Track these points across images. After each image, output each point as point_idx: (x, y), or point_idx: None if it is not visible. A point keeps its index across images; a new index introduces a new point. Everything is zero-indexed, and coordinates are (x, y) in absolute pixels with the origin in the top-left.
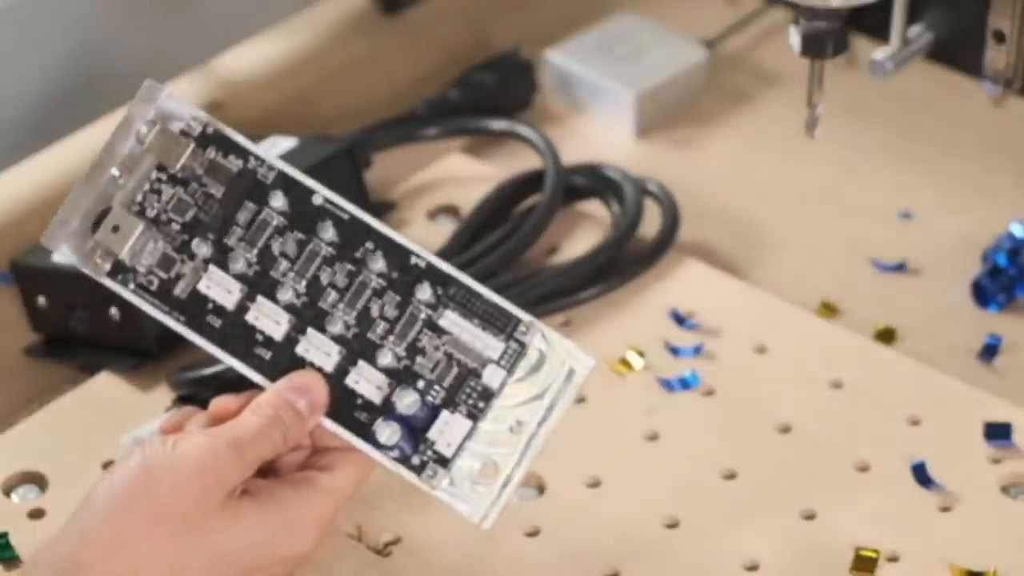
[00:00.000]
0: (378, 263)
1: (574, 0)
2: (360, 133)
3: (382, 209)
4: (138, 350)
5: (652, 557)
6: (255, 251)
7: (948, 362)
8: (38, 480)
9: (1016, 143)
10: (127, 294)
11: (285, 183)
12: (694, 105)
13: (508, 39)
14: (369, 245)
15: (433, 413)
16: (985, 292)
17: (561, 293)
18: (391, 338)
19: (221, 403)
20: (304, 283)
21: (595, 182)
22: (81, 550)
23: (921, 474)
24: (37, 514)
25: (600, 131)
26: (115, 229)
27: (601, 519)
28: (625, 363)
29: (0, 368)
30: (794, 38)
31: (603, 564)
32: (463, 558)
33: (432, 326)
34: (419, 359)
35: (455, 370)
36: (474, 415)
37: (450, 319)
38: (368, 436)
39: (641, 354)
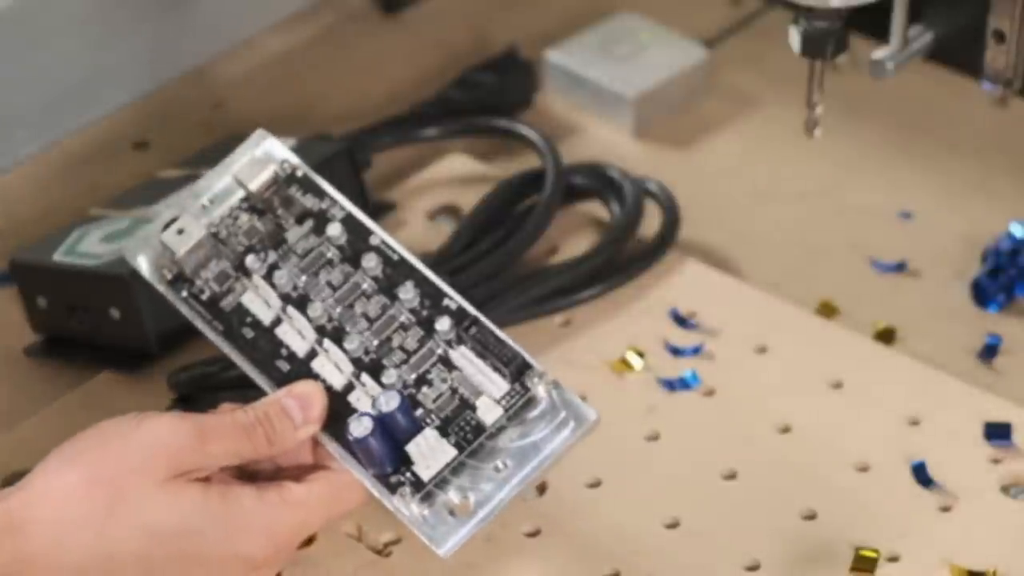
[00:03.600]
0: (413, 301)
1: (574, 0)
2: (360, 133)
3: (382, 209)
4: (138, 350)
5: (652, 557)
6: (304, 277)
7: (948, 362)
8: None
9: (1016, 143)
10: (178, 302)
11: (350, 224)
12: (694, 105)
13: (508, 39)
14: (409, 284)
15: (418, 430)
16: (985, 292)
17: (561, 293)
18: (404, 367)
19: (224, 408)
20: (339, 309)
21: (595, 182)
22: (13, 495)
23: (921, 474)
24: None
25: (600, 131)
26: (180, 232)
27: (601, 519)
28: (625, 363)
29: (0, 368)
30: (794, 38)
31: (603, 564)
32: (463, 558)
33: (445, 361)
34: (424, 389)
35: (455, 403)
36: (461, 446)
37: (462, 354)
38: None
39: (641, 354)
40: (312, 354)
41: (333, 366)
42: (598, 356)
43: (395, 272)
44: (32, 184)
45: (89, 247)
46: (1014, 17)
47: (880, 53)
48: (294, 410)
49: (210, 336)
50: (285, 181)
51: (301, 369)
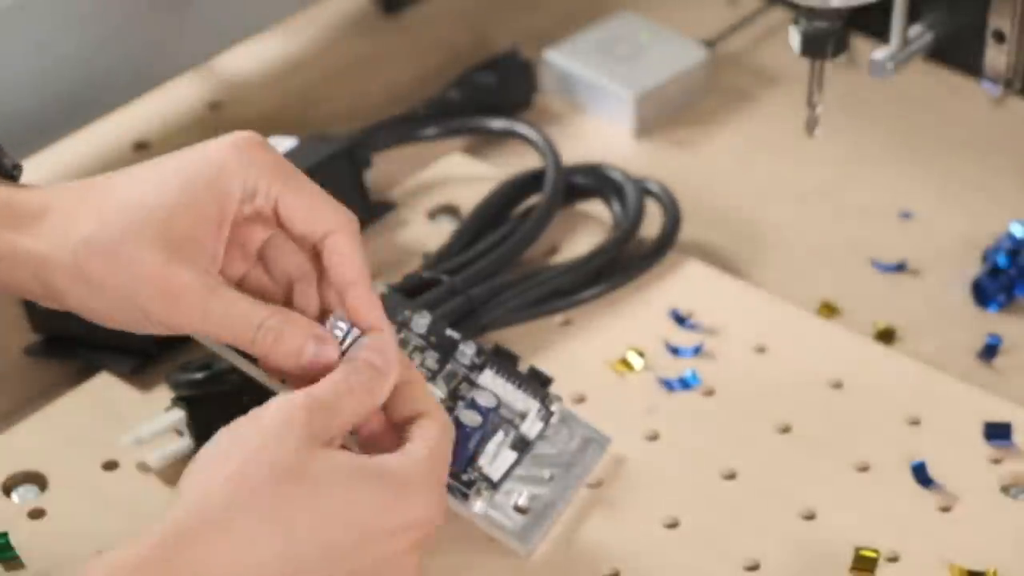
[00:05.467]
0: (420, 327)
1: (574, 0)
2: (360, 133)
3: (382, 209)
4: (138, 350)
5: (652, 557)
6: None
7: (948, 362)
8: (38, 480)
9: (1016, 143)
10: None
11: None
12: (694, 105)
13: (508, 39)
14: (407, 312)
15: (483, 439)
16: (985, 292)
17: (561, 293)
18: (433, 383)
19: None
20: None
21: (596, 182)
22: (173, 508)
23: (921, 474)
24: (37, 514)
25: (600, 131)
26: None
27: (601, 519)
28: (625, 363)
29: (0, 368)
30: (794, 38)
31: (603, 564)
32: (463, 558)
33: (471, 382)
34: (460, 404)
35: (496, 419)
36: (519, 450)
37: (488, 376)
38: None
39: (641, 354)
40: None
41: None
42: (598, 356)
43: (392, 305)
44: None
45: None
46: (1014, 17)
47: (880, 53)
48: (377, 360)
49: (206, 341)
50: None
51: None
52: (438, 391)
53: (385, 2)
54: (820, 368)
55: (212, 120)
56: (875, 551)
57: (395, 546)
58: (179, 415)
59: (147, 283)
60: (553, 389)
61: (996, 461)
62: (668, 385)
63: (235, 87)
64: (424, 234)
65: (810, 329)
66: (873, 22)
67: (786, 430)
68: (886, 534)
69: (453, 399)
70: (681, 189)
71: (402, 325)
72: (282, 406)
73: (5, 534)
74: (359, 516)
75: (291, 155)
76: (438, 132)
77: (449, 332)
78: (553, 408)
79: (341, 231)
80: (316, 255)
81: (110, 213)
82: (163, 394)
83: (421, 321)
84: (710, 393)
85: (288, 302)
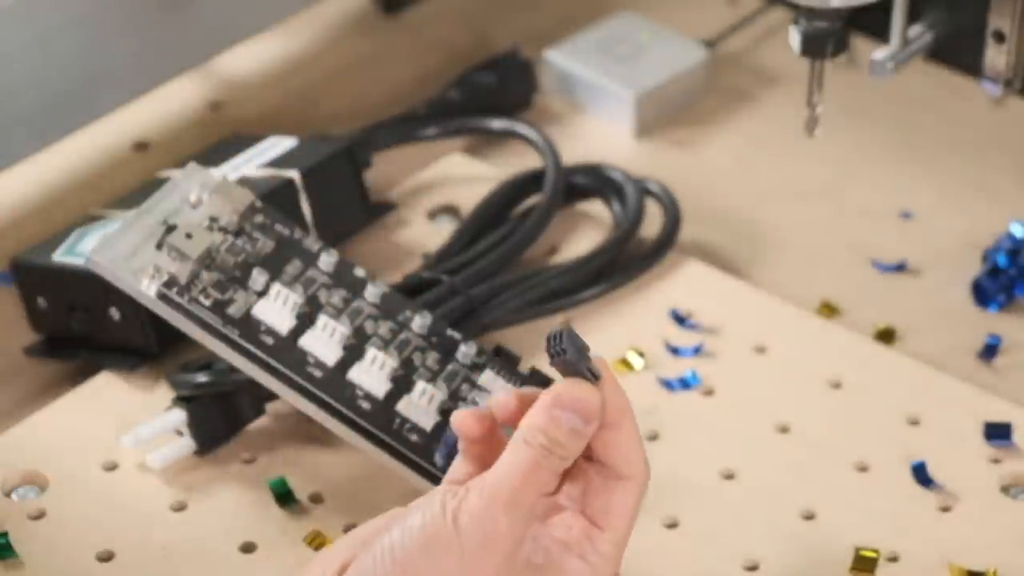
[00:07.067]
0: (420, 327)
1: (574, 0)
2: (360, 133)
3: (382, 209)
4: (138, 350)
5: (652, 557)
6: (304, 297)
7: (948, 362)
8: (38, 480)
9: (1016, 143)
10: (173, 309)
11: (329, 254)
12: (694, 105)
13: (508, 39)
14: (408, 312)
15: None
16: (985, 292)
17: (561, 293)
18: (434, 384)
19: (501, 403)
20: (351, 329)
21: (596, 182)
22: None
23: (921, 474)
24: (37, 514)
25: (600, 131)
26: (188, 236)
27: None
28: (625, 363)
29: (0, 368)
30: (794, 38)
31: None
32: None
33: (471, 382)
34: (461, 405)
35: None
36: None
37: (489, 376)
38: (425, 456)
39: (641, 354)
40: (346, 362)
41: (369, 376)
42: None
43: (391, 303)
44: (32, 184)
45: (89, 247)
46: (1014, 17)
47: (880, 53)
48: (573, 419)
49: (208, 343)
50: (248, 211)
51: (335, 376)
52: (439, 392)
53: (385, 2)
54: (820, 368)
55: (212, 120)
56: (875, 551)
57: None
58: (179, 415)
59: None
60: None
61: (996, 461)
62: (668, 385)
63: (235, 87)
64: (424, 234)
65: (810, 329)
66: (873, 22)
67: (786, 430)
68: (886, 534)
69: (454, 399)
70: (681, 189)
71: (402, 325)
72: (484, 523)
73: (5, 534)
74: None
75: (291, 155)
76: (438, 132)
77: (450, 332)
78: None
79: None
80: None
81: None
82: (163, 394)
83: (421, 321)
84: (710, 393)
85: None
